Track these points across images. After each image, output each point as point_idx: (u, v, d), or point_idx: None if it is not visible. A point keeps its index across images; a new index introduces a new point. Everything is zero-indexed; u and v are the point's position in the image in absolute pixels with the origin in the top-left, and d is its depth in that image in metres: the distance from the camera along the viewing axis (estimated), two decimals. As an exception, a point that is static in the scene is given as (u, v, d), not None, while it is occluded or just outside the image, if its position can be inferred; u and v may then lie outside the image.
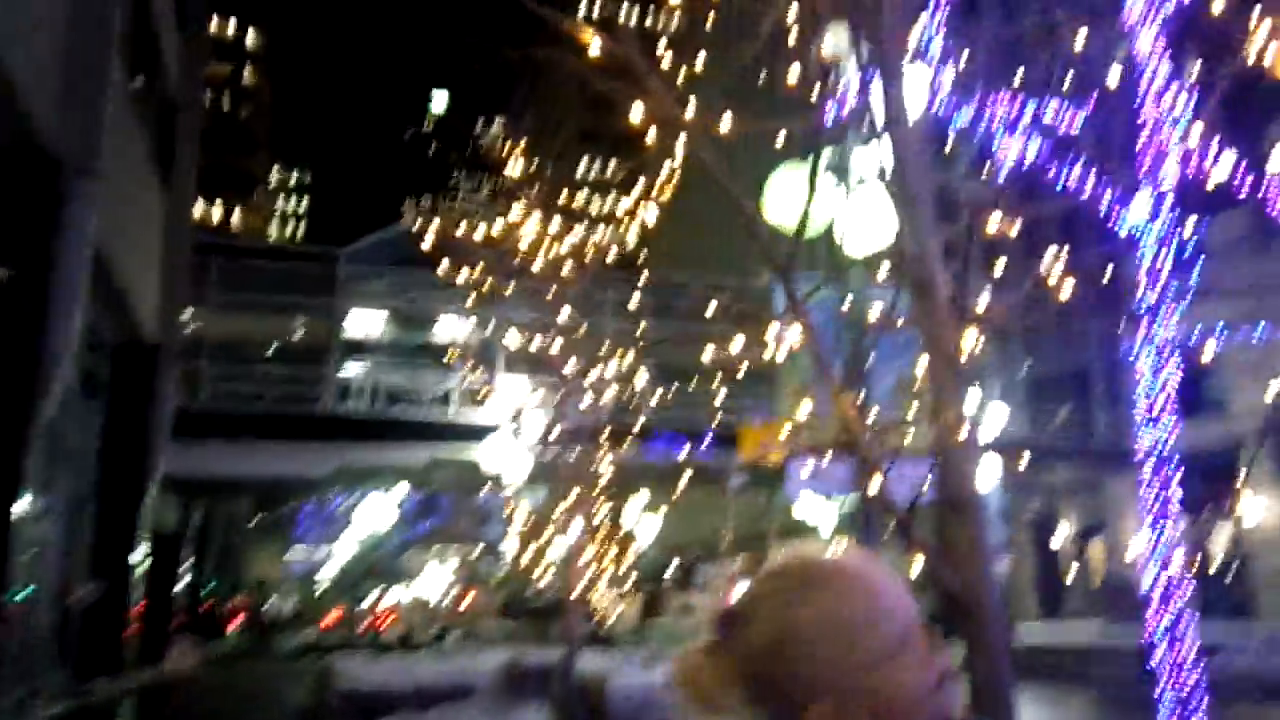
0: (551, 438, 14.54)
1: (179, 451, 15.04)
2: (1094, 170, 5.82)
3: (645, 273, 16.30)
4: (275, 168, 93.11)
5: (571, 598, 12.71)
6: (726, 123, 4.85)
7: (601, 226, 13.79)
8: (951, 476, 4.15)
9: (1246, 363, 20.46)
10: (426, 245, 13.69)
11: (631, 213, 13.41)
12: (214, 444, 18.88)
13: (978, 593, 4.03)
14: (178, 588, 22.31)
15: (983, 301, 4.52)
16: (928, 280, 4.14)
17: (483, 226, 13.74)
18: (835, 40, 6.48)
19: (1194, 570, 10.11)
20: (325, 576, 42.02)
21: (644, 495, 23.15)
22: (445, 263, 13.84)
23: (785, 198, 5.70)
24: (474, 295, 14.81)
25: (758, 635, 1.04)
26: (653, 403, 21.09)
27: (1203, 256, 10.21)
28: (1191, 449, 10.39)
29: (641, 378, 19.78)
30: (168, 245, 13.33)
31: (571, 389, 15.78)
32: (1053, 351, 25.86)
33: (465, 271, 14.10)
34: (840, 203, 5.91)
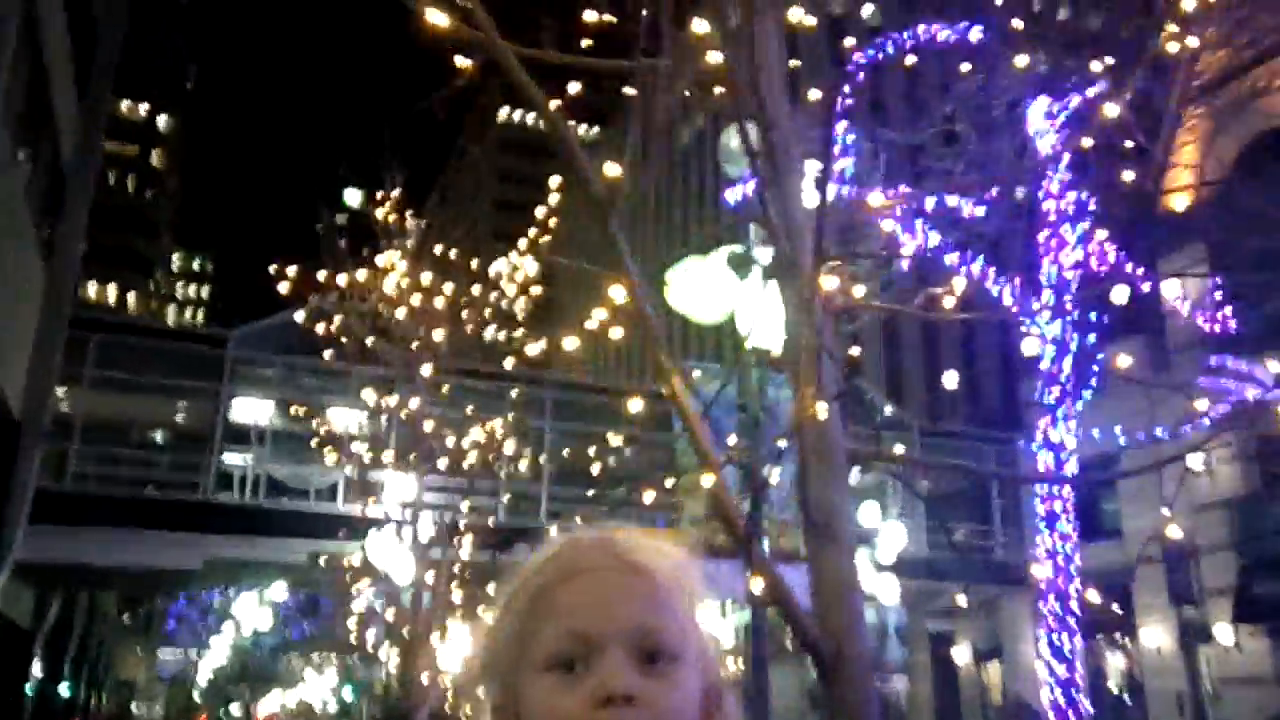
0: (441, 536, 13.93)
1: (39, 536, 14.02)
2: (994, 269, 5.78)
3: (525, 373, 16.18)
4: (177, 254, 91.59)
5: (454, 709, 12.07)
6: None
7: (502, 317, 13.72)
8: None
9: (1141, 488, 20.82)
10: (319, 333, 13.33)
11: (526, 289, 13.44)
12: (80, 530, 17.69)
13: (841, 641, 3.77)
14: (27, 687, 20.59)
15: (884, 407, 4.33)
16: (810, 371, 3.94)
17: (377, 320, 13.51)
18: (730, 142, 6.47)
19: (1090, 692, 9.93)
20: (197, 679, 39.58)
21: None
22: (332, 353, 13.47)
23: (689, 288, 5.62)
24: (367, 387, 14.36)
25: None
26: (546, 506, 20.53)
27: (1098, 364, 10.35)
28: (1088, 572, 10.35)
29: (539, 478, 19.31)
30: (44, 319, 12.67)
31: (465, 487, 15.24)
32: (949, 469, 26.07)
33: (358, 363, 13.72)
34: (742, 294, 5.78)
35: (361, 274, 13.24)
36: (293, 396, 18.22)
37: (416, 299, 12.86)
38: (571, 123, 4.83)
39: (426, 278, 13.07)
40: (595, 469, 11.40)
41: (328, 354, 13.26)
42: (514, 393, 14.89)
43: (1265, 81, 17.22)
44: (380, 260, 13.24)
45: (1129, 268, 10.14)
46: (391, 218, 13.34)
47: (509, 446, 13.91)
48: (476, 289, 13.45)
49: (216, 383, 20.17)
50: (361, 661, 29.11)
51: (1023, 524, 24.81)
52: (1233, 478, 18.92)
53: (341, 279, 13.17)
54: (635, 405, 7.07)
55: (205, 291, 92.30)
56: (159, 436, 23.32)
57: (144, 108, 79.47)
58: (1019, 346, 10.57)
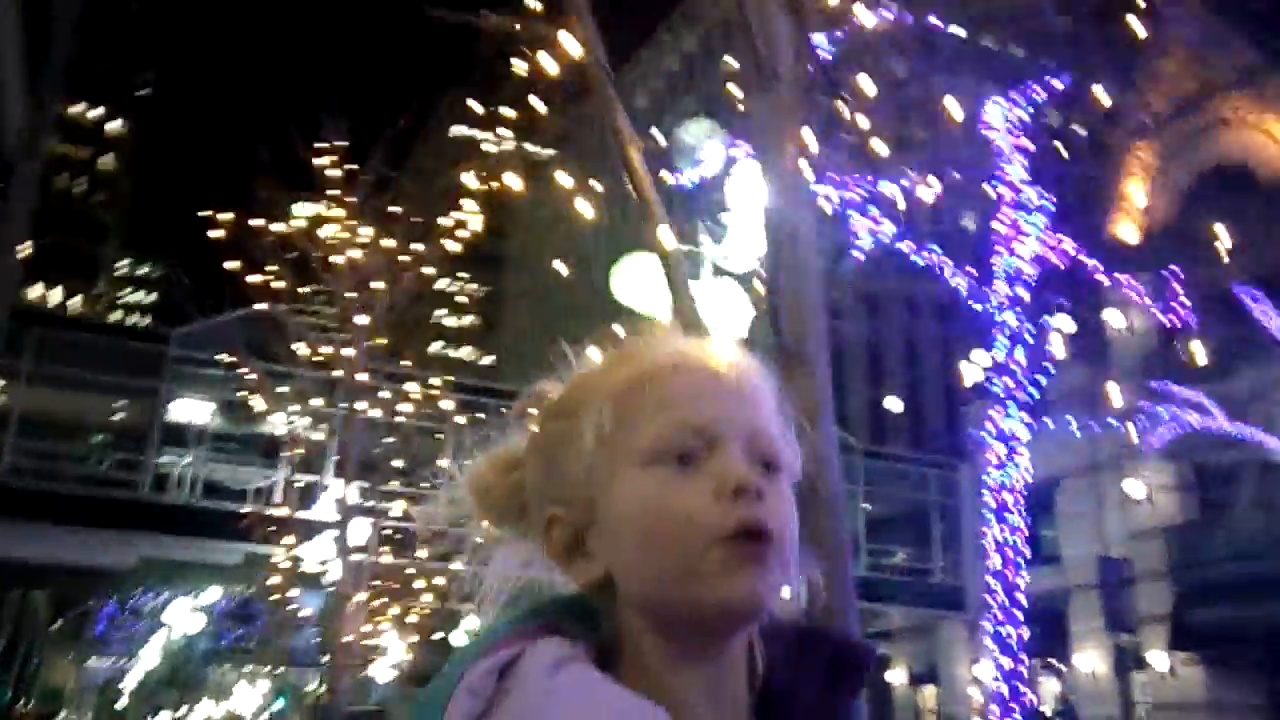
0: (378, 543, 13.69)
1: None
2: (951, 261, 5.77)
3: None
4: (125, 258, 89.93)
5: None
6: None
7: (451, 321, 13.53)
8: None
9: (1080, 515, 21.03)
10: (263, 336, 13.05)
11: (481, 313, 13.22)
12: (14, 524, 17.25)
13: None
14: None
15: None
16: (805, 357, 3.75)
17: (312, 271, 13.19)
18: (695, 131, 6.40)
19: (1026, 716, 9.94)
20: (125, 686, 38.57)
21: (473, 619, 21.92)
22: (287, 351, 13.17)
23: (635, 281, 5.59)
24: (310, 393, 14.07)
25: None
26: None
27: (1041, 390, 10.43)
28: (1026, 598, 10.38)
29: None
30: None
31: (406, 494, 14.98)
32: (891, 491, 26.22)
33: (302, 367, 13.43)
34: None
35: (301, 221, 12.74)
36: (233, 398, 17.85)
37: (357, 253, 12.49)
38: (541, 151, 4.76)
39: (368, 232, 12.67)
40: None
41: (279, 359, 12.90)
42: (451, 405, 14.66)
43: (1215, 117, 17.55)
44: (320, 209, 12.78)
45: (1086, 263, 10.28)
46: (334, 171, 12.88)
47: (449, 453, 13.65)
48: (420, 246, 13.03)
49: (156, 381, 19.74)
50: (293, 670, 28.57)
51: (962, 549, 24.97)
52: (1171, 506, 19.18)
53: (279, 227, 12.64)
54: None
55: (152, 297, 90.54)
56: (98, 434, 22.77)
57: (97, 111, 78.25)
58: (962, 372, 10.64)
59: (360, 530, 13.54)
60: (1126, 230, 17.24)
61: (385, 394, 13.27)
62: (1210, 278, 12.55)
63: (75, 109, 74.19)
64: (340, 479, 13.77)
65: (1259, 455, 13.85)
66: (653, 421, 0.82)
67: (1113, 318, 12.47)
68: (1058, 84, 9.68)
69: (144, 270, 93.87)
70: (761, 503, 0.80)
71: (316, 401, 13.84)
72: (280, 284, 12.86)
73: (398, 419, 13.82)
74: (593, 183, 5.45)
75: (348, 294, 12.55)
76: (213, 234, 12.39)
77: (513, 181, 9.85)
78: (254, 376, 14.55)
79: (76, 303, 72.24)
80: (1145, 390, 13.89)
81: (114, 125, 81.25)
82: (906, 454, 29.22)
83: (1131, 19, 7.26)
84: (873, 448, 27.35)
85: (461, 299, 14.25)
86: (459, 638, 27.83)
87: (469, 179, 11.38)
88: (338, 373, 12.76)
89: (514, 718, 0.75)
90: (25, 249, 13.31)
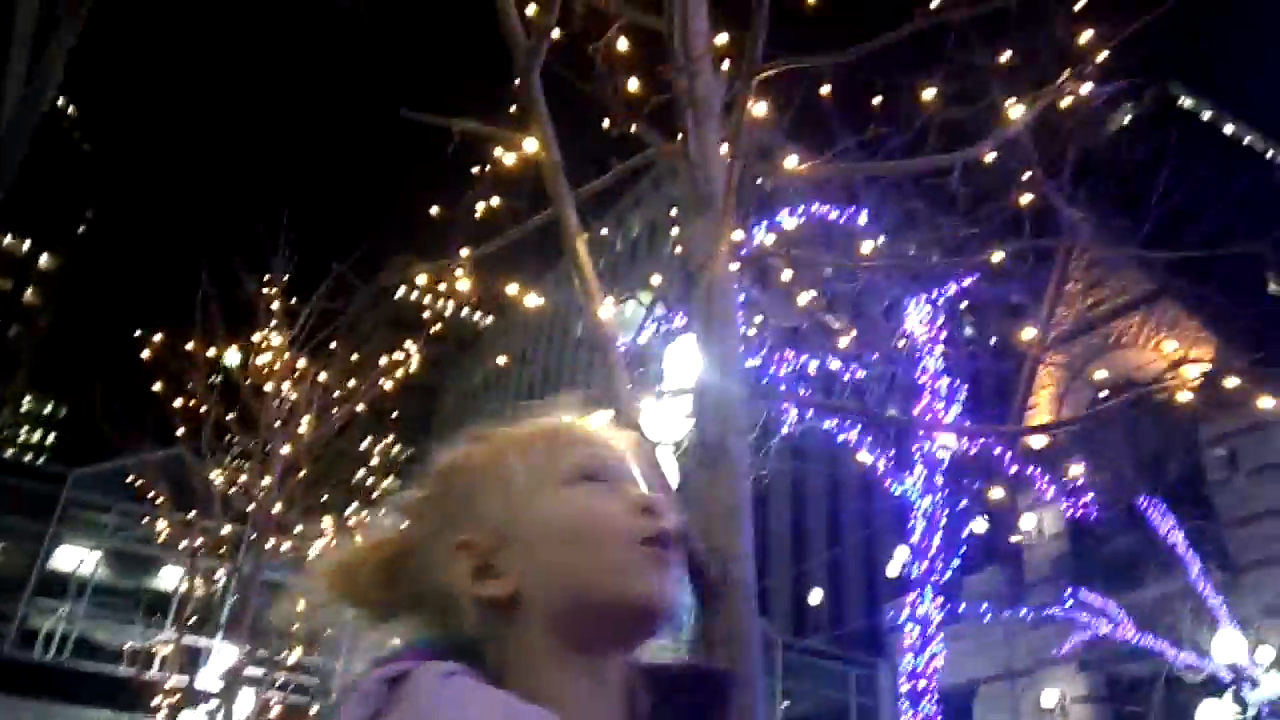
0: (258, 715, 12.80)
1: None
2: (870, 439, 5.94)
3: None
4: (29, 395, 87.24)
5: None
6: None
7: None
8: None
9: (999, 709, 20.73)
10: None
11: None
12: None
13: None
14: None
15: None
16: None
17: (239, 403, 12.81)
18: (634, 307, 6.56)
19: None
20: None
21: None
22: (199, 488, 12.65)
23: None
24: (216, 539, 13.44)
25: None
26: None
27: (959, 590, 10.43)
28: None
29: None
30: None
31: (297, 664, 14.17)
32: (811, 688, 25.63)
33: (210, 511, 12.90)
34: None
35: (233, 353, 12.52)
36: (124, 547, 16.92)
37: (286, 385, 12.26)
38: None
39: (302, 364, 12.48)
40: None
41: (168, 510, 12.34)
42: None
43: (1118, 336, 18.47)
44: (255, 339, 12.57)
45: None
46: (275, 303, 12.76)
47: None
48: (352, 382, 12.86)
49: (44, 526, 18.66)
50: None
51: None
52: (1085, 716, 18.99)
53: (210, 352, 12.37)
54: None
55: (50, 438, 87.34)
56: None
57: (26, 244, 77.50)
58: (884, 565, 10.72)
59: (246, 701, 12.68)
60: (1036, 439, 17.79)
61: (299, 529, 12.70)
62: (1115, 490, 12.89)
63: (5, 239, 73.52)
64: (230, 642, 12.97)
65: (1165, 668, 13.88)
66: (572, 453, 0.96)
67: (1024, 521, 12.68)
68: (968, 285, 10.16)
69: (49, 409, 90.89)
70: (663, 520, 0.91)
71: (221, 546, 13.10)
72: (203, 408, 12.52)
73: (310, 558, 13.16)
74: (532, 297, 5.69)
75: (275, 423, 12.26)
76: (144, 354, 12.12)
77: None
78: (157, 520, 13.86)
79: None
80: (1058, 593, 13.97)
81: (44, 260, 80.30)
82: (827, 649, 28.81)
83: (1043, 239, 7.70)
84: (793, 640, 26.93)
85: (389, 438, 14.03)
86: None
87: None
88: (250, 507, 12.27)
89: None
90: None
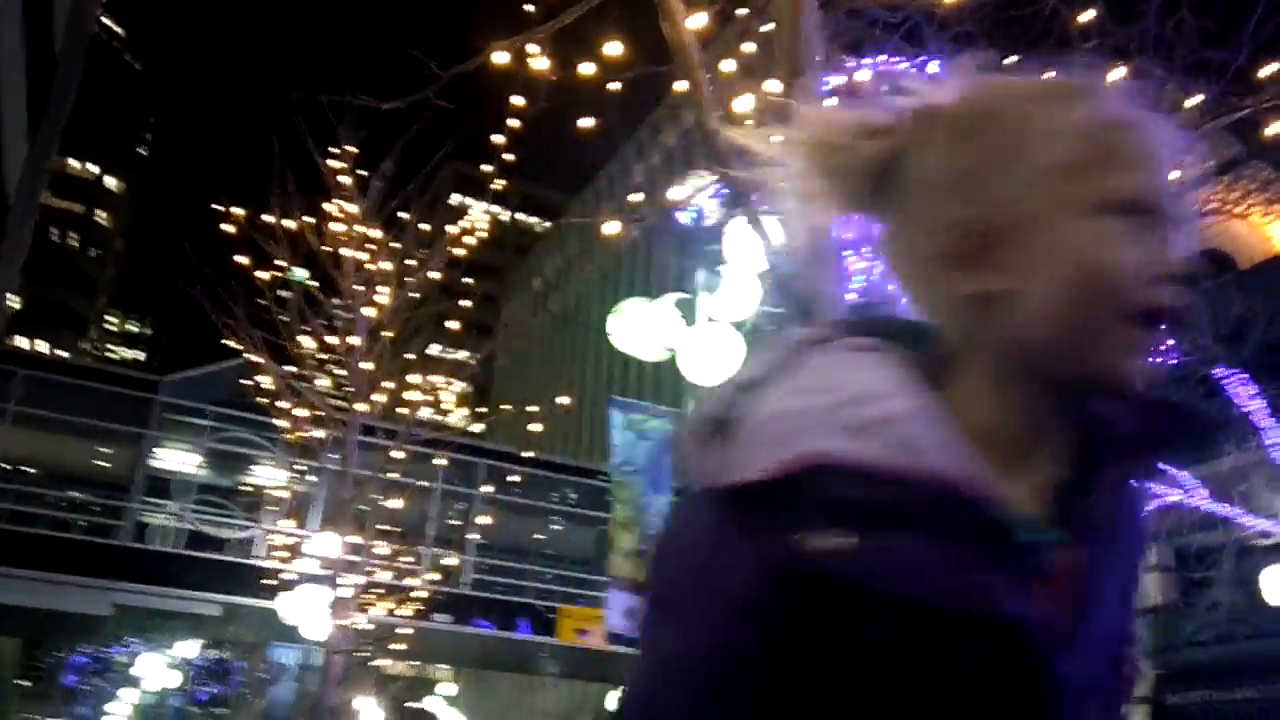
0: (362, 598, 13.56)
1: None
2: None
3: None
4: (114, 315, 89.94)
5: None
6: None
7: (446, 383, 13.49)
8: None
9: None
10: (255, 389, 12.93)
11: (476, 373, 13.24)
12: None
13: None
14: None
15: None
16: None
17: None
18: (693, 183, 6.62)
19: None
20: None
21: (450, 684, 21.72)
22: (275, 407, 13.06)
23: (632, 327, 5.79)
24: (298, 445, 13.94)
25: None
26: (472, 576, 20.14)
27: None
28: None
29: (467, 549, 18.90)
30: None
31: (391, 551, 14.90)
32: None
33: (291, 421, 13.30)
34: (684, 335, 6.05)
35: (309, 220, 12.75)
36: (219, 447, 17.75)
37: (364, 255, 12.52)
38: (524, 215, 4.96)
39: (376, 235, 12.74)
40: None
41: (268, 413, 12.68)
42: (443, 461, 14.55)
43: (1198, 204, 18.01)
44: (331, 209, 12.81)
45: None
46: (345, 178, 12.93)
47: (435, 512, 13.60)
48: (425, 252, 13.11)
49: (142, 428, 19.64)
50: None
51: None
52: (1153, 587, 19.20)
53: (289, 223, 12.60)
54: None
55: (139, 356, 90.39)
56: (80, 480, 22.56)
57: (94, 168, 78.61)
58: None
59: (343, 585, 13.42)
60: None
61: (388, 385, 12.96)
62: (1195, 361, 12.77)
63: (72, 163, 74.61)
64: (327, 531, 13.66)
65: (1238, 536, 13.95)
66: (1121, 174, 0.78)
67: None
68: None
69: (132, 327, 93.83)
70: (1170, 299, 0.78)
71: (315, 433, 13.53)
72: (287, 293, 12.79)
73: (388, 470, 13.65)
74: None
75: (355, 287, 12.55)
76: (225, 227, 12.34)
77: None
78: (253, 413, 14.23)
79: (60, 356, 72.10)
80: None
81: (110, 182, 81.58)
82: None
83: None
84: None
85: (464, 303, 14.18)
86: (434, 704, 27.42)
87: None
88: (340, 371, 12.66)
89: (797, 376, 0.74)
90: (14, 301, 13.35)
